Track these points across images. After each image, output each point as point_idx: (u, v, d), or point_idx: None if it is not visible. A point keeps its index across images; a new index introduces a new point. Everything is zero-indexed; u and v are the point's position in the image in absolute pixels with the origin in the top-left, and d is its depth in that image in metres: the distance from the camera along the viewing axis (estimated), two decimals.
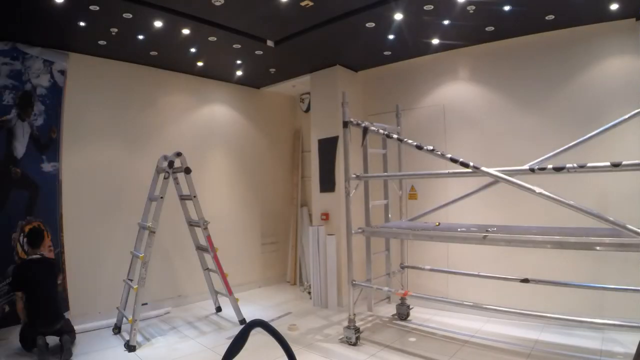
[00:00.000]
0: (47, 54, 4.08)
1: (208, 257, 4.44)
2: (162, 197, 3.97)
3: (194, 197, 4.28)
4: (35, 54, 4.00)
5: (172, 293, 5.00)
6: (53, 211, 4.13)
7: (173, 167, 4.15)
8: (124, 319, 3.95)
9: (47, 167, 4.12)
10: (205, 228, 4.28)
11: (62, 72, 4.21)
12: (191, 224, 4.52)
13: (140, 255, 3.82)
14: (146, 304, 4.20)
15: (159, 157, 4.27)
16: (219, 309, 4.75)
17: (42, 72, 4.09)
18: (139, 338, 3.72)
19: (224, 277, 4.27)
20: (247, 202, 5.90)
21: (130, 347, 3.55)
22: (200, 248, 4.55)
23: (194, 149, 5.22)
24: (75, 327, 3.73)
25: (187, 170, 4.19)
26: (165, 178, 4.06)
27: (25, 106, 4.00)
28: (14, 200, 3.91)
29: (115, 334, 3.99)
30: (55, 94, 4.18)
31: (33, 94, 4.05)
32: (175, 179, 4.38)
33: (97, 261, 4.38)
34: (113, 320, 4.08)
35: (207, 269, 4.62)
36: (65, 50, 4.19)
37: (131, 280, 4.02)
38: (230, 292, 4.27)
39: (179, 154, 4.18)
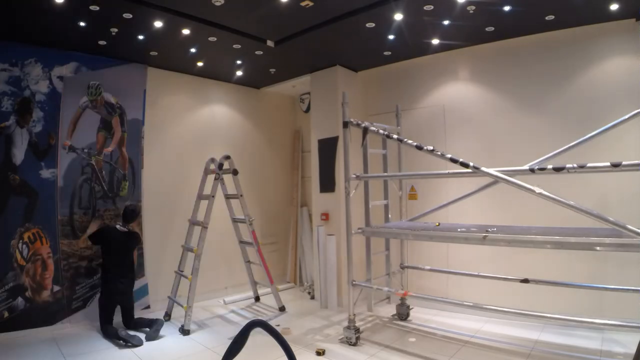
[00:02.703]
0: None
1: (249, 250, 4.95)
2: (213, 196, 4.36)
3: (241, 196, 4.65)
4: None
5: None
6: (52, 217, 4.12)
7: (222, 169, 4.52)
8: (174, 307, 4.46)
9: (45, 173, 4.11)
10: (251, 224, 4.66)
11: (61, 78, 4.21)
12: (235, 221, 4.92)
13: (194, 248, 4.19)
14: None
15: (160, 156, 4.29)
16: (257, 299, 5.16)
17: (41, 78, 4.08)
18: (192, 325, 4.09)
19: (266, 267, 4.70)
20: (247, 202, 5.88)
21: (184, 331, 3.96)
22: (243, 242, 4.99)
23: (194, 149, 5.23)
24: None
25: (235, 172, 4.59)
26: (215, 179, 4.46)
27: (24, 113, 3.99)
28: (13, 207, 3.90)
29: (166, 320, 4.33)
30: (54, 100, 4.18)
31: (32, 101, 4.04)
32: (222, 179, 4.65)
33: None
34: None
35: (249, 261, 5.05)
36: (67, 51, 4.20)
37: (182, 272, 4.46)
38: (272, 282, 4.73)
39: (227, 157, 4.57)
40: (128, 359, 3.40)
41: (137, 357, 3.42)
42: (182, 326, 4.01)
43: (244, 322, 1.48)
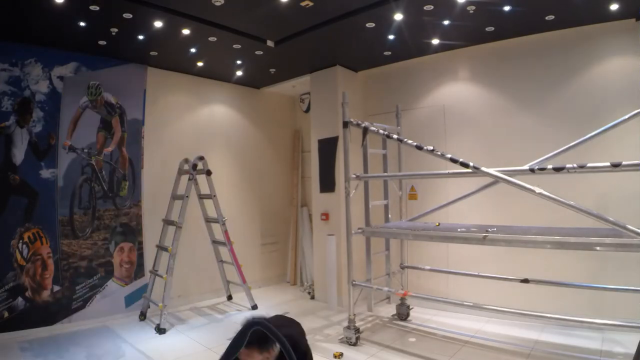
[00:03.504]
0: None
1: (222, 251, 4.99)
2: (187, 196, 4.42)
3: (214, 196, 4.66)
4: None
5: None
6: (52, 217, 4.13)
7: (196, 170, 4.53)
8: (149, 307, 4.48)
9: (45, 173, 4.12)
10: (224, 224, 4.67)
11: (61, 78, 4.21)
12: (208, 221, 4.94)
13: (169, 247, 4.25)
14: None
15: (159, 156, 4.29)
16: (229, 297, 5.22)
17: (41, 78, 4.09)
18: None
19: (238, 267, 4.75)
20: (247, 202, 5.90)
21: (160, 330, 4.00)
22: (216, 242, 5.00)
23: (194, 149, 5.22)
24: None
25: (209, 173, 4.62)
26: (189, 179, 4.50)
27: (24, 113, 3.99)
28: (13, 207, 3.91)
29: (141, 320, 4.40)
30: (54, 100, 4.18)
31: (32, 101, 4.04)
32: (195, 179, 4.63)
33: None
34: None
35: (221, 261, 5.07)
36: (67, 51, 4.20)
37: (157, 271, 4.45)
38: (244, 281, 4.78)
39: (201, 158, 4.58)
40: (127, 358, 3.41)
41: (137, 356, 3.42)
42: (158, 325, 4.05)
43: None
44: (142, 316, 4.44)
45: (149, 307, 4.49)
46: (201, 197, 4.85)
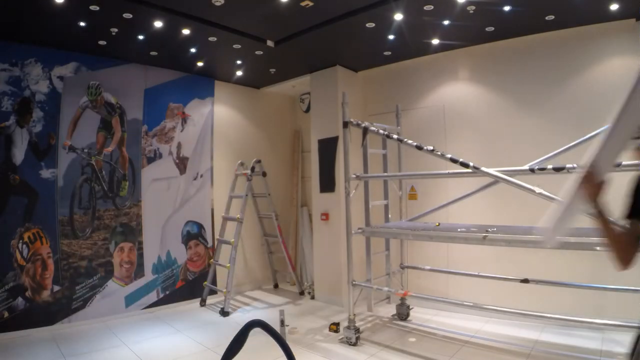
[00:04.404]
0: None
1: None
2: (247, 195, 5.04)
3: (269, 194, 5.37)
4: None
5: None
6: (52, 217, 4.12)
7: (254, 171, 5.15)
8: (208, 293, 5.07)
9: (45, 173, 4.11)
10: (277, 219, 5.31)
11: (61, 78, 4.21)
12: (261, 217, 5.67)
13: (232, 240, 4.79)
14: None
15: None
16: (276, 286, 5.91)
17: (41, 78, 4.09)
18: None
19: (289, 256, 5.41)
20: (247, 202, 5.88)
21: (224, 313, 4.55)
22: (267, 235, 5.73)
23: (194, 149, 5.22)
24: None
25: (264, 174, 5.30)
26: (248, 180, 5.10)
27: (24, 113, 3.99)
28: (13, 207, 3.90)
29: (201, 306, 4.97)
30: (54, 100, 4.18)
31: (32, 101, 4.04)
32: (251, 180, 5.19)
33: None
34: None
35: (271, 252, 5.79)
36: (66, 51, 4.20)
37: (217, 262, 5.07)
38: (294, 269, 5.45)
39: (258, 161, 5.25)
40: (127, 358, 3.41)
41: (137, 356, 3.42)
42: (222, 308, 4.59)
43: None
44: (203, 302, 5.00)
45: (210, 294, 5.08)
46: (255, 195, 5.51)
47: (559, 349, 3.33)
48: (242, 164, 5.30)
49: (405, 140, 3.52)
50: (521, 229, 3.20)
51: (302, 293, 5.43)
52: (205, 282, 5.08)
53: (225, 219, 5.19)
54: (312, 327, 4.15)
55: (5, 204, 3.87)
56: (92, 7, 3.27)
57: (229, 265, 4.70)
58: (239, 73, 5.29)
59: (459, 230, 3.28)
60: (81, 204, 4.34)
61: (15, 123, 3.95)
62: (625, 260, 1.36)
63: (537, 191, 2.64)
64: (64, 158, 4.24)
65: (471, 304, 3.29)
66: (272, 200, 5.36)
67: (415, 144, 3.35)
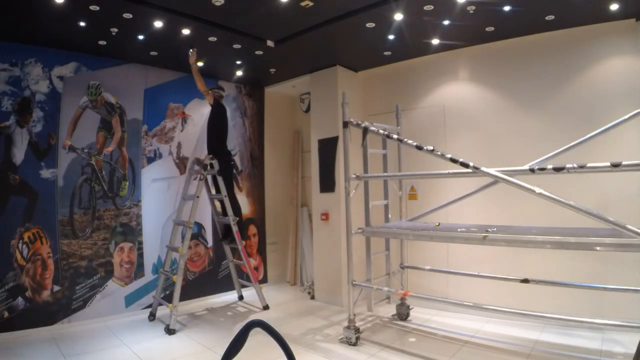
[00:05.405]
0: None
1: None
2: (198, 197, 4.37)
3: (225, 196, 4.61)
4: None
5: None
6: (52, 217, 4.12)
7: (207, 170, 4.54)
8: (158, 307, 4.46)
9: (45, 173, 4.11)
10: (235, 224, 4.62)
11: (61, 78, 4.21)
12: (219, 221, 4.98)
13: (179, 248, 4.25)
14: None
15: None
16: (241, 297, 5.24)
17: (41, 78, 4.09)
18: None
19: (250, 267, 4.78)
20: (247, 203, 5.89)
21: (170, 331, 3.95)
22: (224, 241, 5.03)
23: (194, 149, 5.22)
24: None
25: (220, 173, 4.57)
26: (200, 180, 4.45)
27: (24, 113, 3.99)
28: (13, 207, 3.90)
29: (150, 320, 4.38)
30: (54, 100, 4.18)
31: (32, 101, 4.04)
32: (205, 179, 4.63)
33: None
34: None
35: (232, 260, 5.12)
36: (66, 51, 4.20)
37: (166, 272, 4.47)
38: (255, 281, 4.80)
39: (213, 158, 4.57)
40: (127, 358, 3.41)
41: (137, 356, 3.42)
42: (168, 325, 4.00)
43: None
44: (152, 317, 4.42)
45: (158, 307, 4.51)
46: (212, 197, 4.90)
47: (559, 349, 3.33)
48: (197, 162, 4.69)
49: (405, 140, 3.52)
50: (521, 229, 3.20)
51: (266, 307, 4.75)
52: (154, 294, 4.57)
53: (176, 224, 4.58)
54: (312, 327, 4.15)
55: (5, 204, 3.87)
56: (92, 7, 3.27)
57: (175, 276, 4.16)
58: (239, 73, 5.29)
59: (459, 230, 3.28)
60: (81, 204, 4.34)
61: (15, 123, 3.95)
62: None
63: (537, 191, 2.64)
64: (64, 158, 4.24)
65: (471, 304, 3.28)
66: (269, 202, 5.02)
67: (415, 144, 3.35)
